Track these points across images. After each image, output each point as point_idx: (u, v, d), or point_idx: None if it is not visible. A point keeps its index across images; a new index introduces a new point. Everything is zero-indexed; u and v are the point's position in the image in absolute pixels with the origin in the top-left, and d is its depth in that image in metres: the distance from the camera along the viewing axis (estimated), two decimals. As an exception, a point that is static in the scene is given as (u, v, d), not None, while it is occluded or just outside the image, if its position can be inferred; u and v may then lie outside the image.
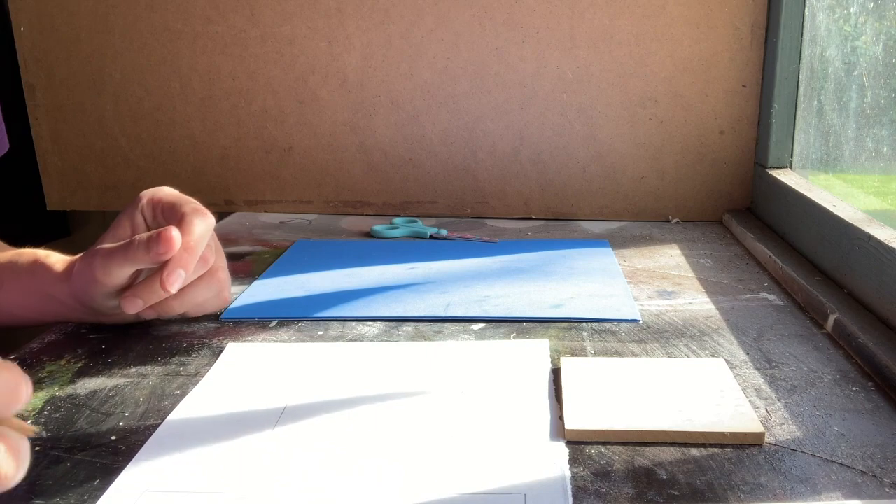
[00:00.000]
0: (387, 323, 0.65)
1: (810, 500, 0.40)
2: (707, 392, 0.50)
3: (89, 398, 0.52)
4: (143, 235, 0.55)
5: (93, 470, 0.44)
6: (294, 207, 1.04)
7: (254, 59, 0.99)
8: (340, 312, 0.67)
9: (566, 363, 0.55)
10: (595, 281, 0.74)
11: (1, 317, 0.62)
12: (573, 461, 0.44)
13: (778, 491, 0.41)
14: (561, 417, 0.48)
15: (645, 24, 0.94)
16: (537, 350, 0.58)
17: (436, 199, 1.02)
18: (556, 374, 0.54)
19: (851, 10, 0.83)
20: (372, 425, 0.48)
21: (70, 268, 0.60)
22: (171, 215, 0.58)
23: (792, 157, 0.92)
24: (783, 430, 0.47)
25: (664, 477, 0.42)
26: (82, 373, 0.56)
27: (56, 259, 0.62)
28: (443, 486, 0.42)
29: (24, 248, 0.64)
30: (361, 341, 0.61)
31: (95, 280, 0.56)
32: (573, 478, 0.42)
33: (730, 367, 0.55)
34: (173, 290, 0.55)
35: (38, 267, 0.61)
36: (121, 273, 0.56)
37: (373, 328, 0.64)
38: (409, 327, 0.64)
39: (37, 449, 0.46)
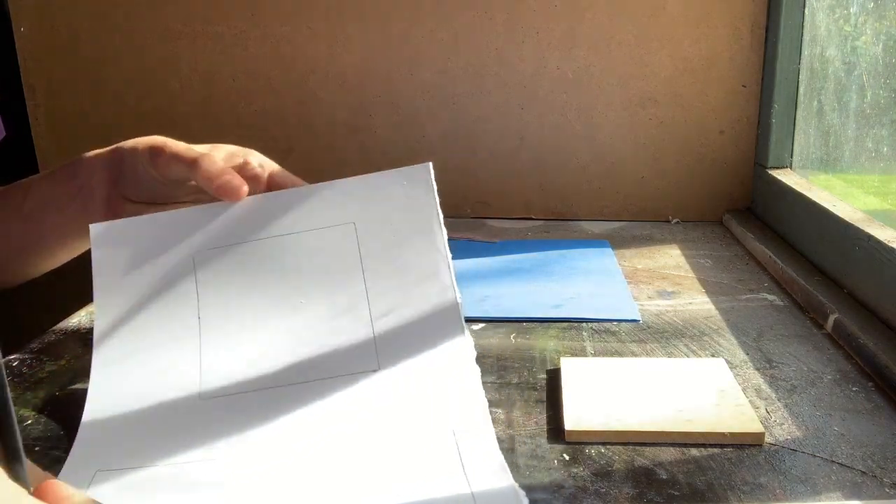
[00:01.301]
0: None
1: (810, 500, 0.40)
2: (707, 392, 0.50)
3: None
4: (222, 166, 0.55)
5: (93, 470, 0.44)
6: (294, 207, 1.04)
7: (254, 59, 0.99)
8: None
9: (566, 363, 0.55)
10: (595, 281, 0.74)
11: (14, 243, 0.62)
12: (573, 461, 0.44)
13: (778, 491, 0.41)
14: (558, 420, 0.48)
15: (645, 24, 0.94)
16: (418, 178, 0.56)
17: (436, 199, 1.02)
18: (555, 374, 0.54)
19: (851, 10, 0.83)
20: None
21: (120, 143, 0.60)
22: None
23: (792, 157, 0.92)
24: (783, 430, 0.47)
25: (664, 477, 0.42)
26: (82, 373, 0.56)
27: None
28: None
29: None
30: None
31: (155, 163, 0.57)
32: (573, 477, 0.42)
33: (730, 367, 0.55)
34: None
35: (74, 161, 0.62)
36: (176, 174, 0.57)
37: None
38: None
39: (37, 449, 0.46)
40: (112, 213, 0.60)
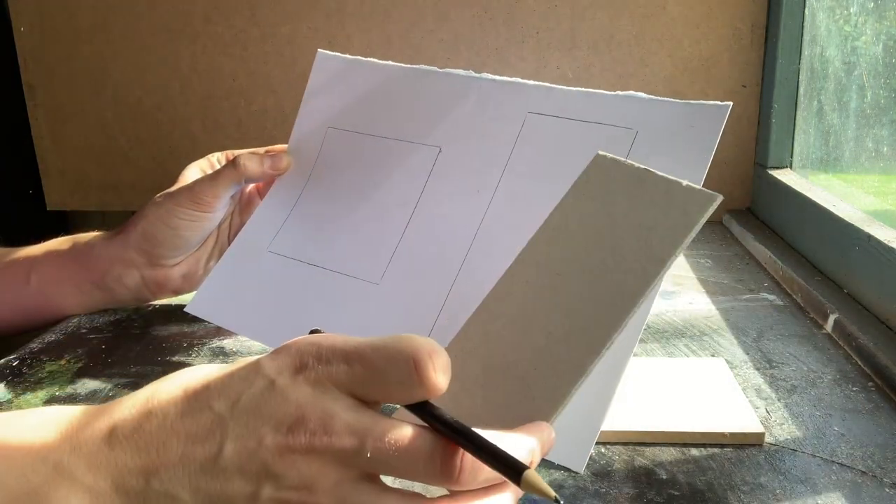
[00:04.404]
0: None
1: (810, 500, 0.40)
2: (707, 392, 0.50)
3: (89, 398, 0.52)
4: (247, 152, 0.61)
5: (93, 470, 0.44)
6: (294, 207, 1.04)
7: (254, 59, 0.99)
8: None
9: (566, 363, 0.55)
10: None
11: (30, 314, 0.64)
12: (573, 461, 0.44)
13: (778, 491, 0.41)
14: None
15: (645, 24, 0.94)
16: None
17: (436, 199, 1.02)
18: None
19: (851, 10, 0.83)
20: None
21: (124, 228, 0.62)
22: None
23: (792, 157, 0.92)
24: (783, 430, 0.47)
25: (664, 477, 0.42)
26: (82, 373, 0.56)
27: (95, 233, 0.64)
28: None
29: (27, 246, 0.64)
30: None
31: (199, 202, 0.59)
32: (573, 477, 0.42)
33: (730, 367, 0.55)
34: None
35: (78, 244, 0.63)
36: (226, 193, 0.60)
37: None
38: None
39: (37, 449, 0.46)
40: (151, 289, 0.63)
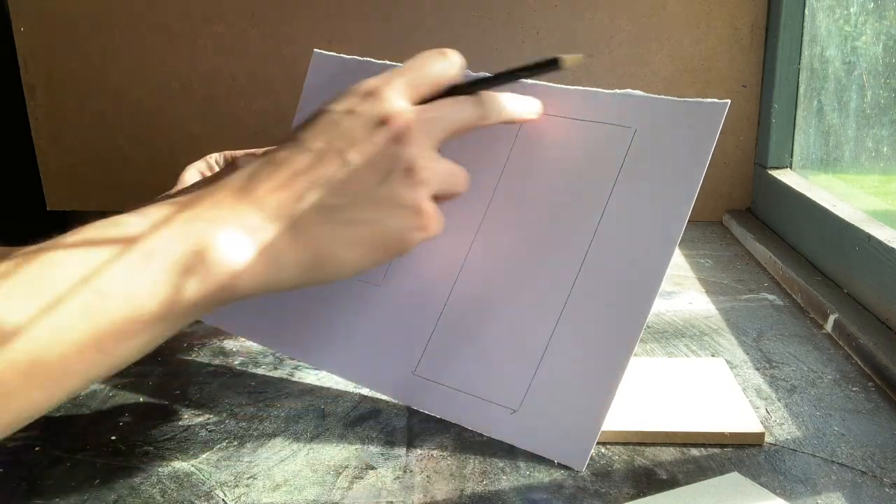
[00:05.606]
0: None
1: (810, 500, 0.40)
2: (707, 392, 0.50)
3: (89, 398, 0.52)
4: (246, 154, 0.63)
5: (93, 470, 0.44)
6: (294, 207, 1.04)
7: (254, 59, 0.99)
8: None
9: (566, 363, 0.55)
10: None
11: None
12: (573, 461, 0.44)
13: (778, 491, 0.41)
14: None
15: (645, 24, 0.94)
16: None
17: (436, 199, 1.02)
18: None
19: (851, 10, 0.83)
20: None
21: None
22: None
23: (792, 157, 0.92)
24: (783, 430, 0.47)
25: (664, 477, 0.42)
26: (82, 373, 0.56)
27: None
28: None
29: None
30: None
31: None
32: (573, 477, 0.42)
33: (730, 367, 0.55)
34: None
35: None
36: None
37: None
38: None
39: (37, 449, 0.46)
40: None
